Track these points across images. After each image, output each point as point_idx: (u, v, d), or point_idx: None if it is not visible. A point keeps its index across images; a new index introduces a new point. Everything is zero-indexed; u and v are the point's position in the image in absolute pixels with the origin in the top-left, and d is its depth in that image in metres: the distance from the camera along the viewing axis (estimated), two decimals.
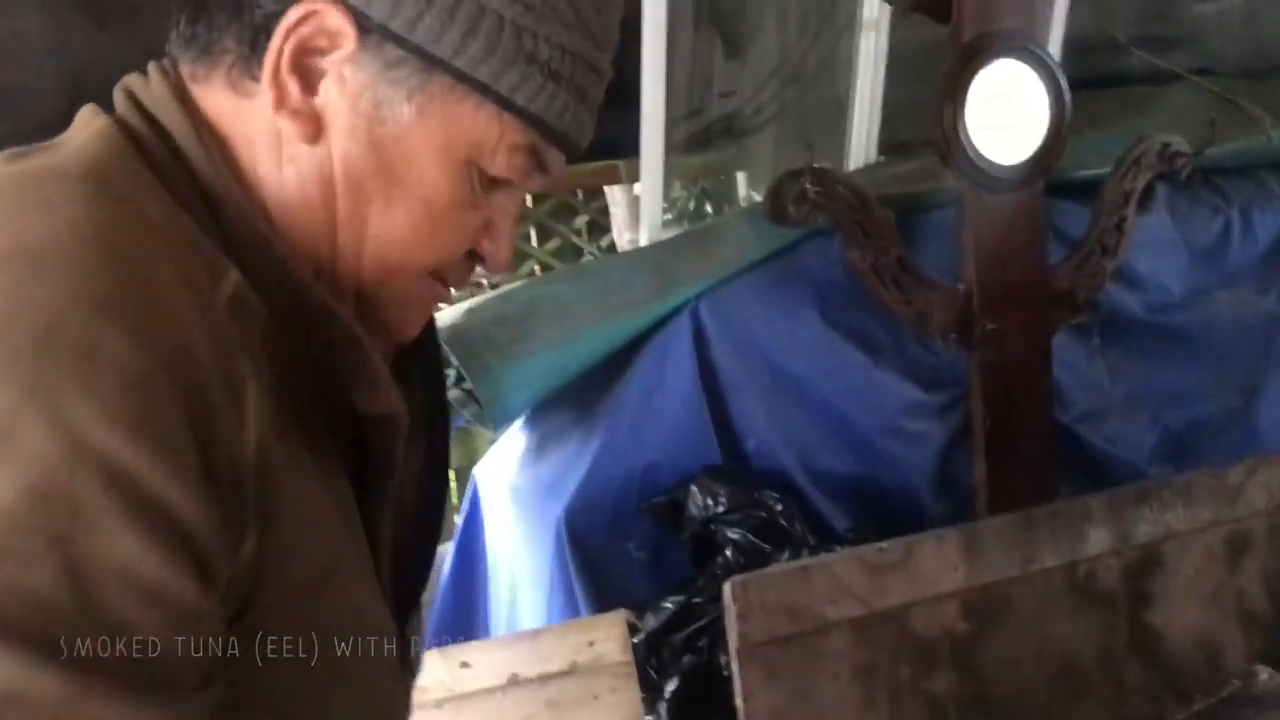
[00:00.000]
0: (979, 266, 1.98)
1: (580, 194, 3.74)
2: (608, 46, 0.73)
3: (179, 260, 0.61)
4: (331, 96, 0.68)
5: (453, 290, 0.78)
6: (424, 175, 0.69)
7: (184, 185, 0.66)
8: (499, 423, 2.04)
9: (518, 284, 2.41)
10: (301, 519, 0.64)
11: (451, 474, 2.90)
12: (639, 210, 2.45)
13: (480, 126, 0.69)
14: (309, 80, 0.68)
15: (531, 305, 2.03)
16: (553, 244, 3.79)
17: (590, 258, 3.71)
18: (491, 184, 0.72)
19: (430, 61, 0.67)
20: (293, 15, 0.66)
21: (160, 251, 0.60)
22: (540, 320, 1.99)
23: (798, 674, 1.70)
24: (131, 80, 0.71)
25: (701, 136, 2.48)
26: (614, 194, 3.06)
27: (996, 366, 2.01)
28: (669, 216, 2.92)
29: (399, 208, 0.69)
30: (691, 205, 3.01)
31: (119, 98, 0.70)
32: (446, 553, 2.32)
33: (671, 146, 2.35)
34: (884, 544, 1.75)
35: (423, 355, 0.83)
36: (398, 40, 0.67)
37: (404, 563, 0.79)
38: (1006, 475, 2.02)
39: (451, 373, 1.98)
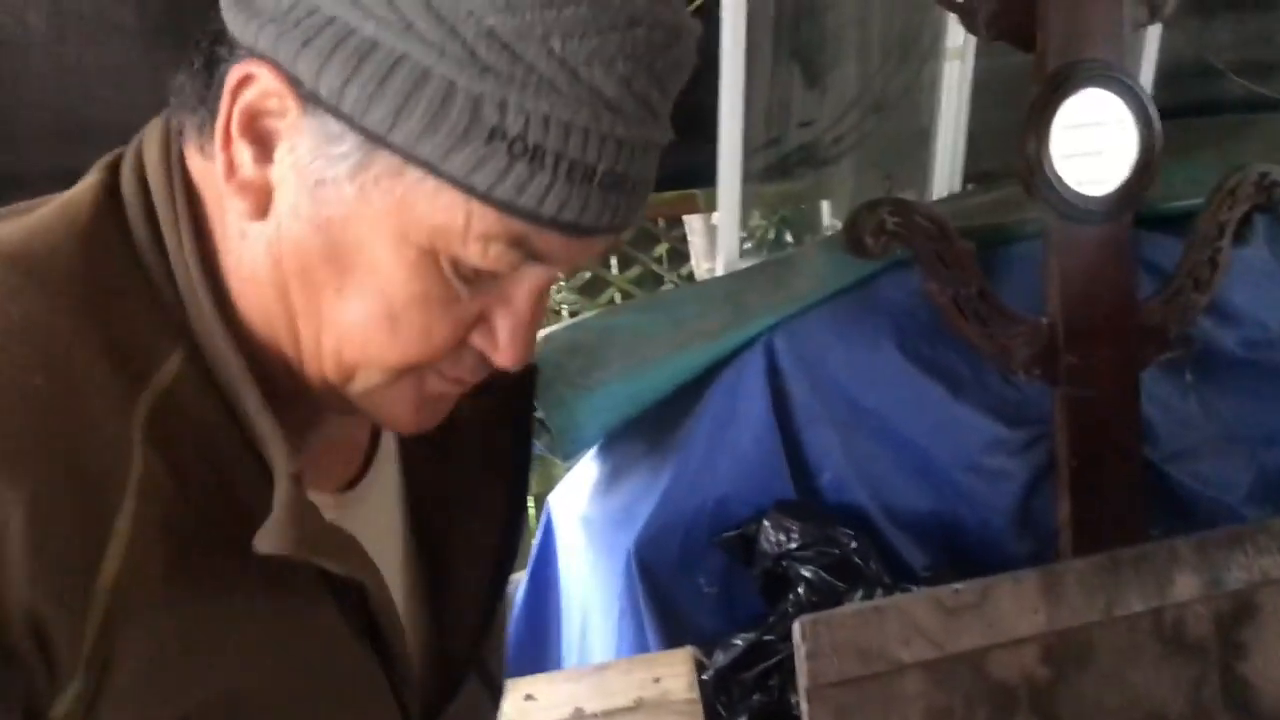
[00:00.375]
0: (1064, 300, 1.92)
1: (661, 221, 3.74)
2: (631, 109, 0.57)
3: (83, 366, 0.56)
4: (284, 167, 0.59)
5: (467, 381, 0.65)
6: (377, 265, 0.58)
7: (153, 255, 0.61)
8: (569, 453, 2.03)
9: (592, 313, 2.41)
10: (198, 649, 0.57)
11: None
12: (717, 239, 2.44)
13: (442, 212, 0.57)
14: (265, 146, 0.59)
15: (604, 335, 2.03)
16: (633, 271, 3.80)
17: (670, 286, 3.71)
18: (477, 274, 0.60)
19: (368, 136, 0.56)
20: (232, 78, 0.58)
21: (49, 364, 0.55)
22: (613, 350, 1.99)
23: (869, 716, 1.65)
24: (150, 125, 0.65)
25: (780, 166, 2.46)
26: (692, 223, 3.05)
27: (1082, 403, 1.95)
28: (748, 246, 2.91)
29: (353, 300, 0.59)
30: (771, 235, 2.99)
31: (132, 144, 0.65)
32: (520, 580, 2.32)
33: (749, 176, 2.33)
34: (959, 585, 1.70)
35: (517, 397, 0.76)
36: (333, 109, 0.57)
37: (465, 614, 0.75)
38: (1092, 516, 1.96)
39: None
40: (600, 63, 0.55)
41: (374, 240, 0.58)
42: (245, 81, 0.58)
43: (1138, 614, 1.77)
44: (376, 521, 0.73)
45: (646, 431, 2.08)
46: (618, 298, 3.72)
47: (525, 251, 0.59)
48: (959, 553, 2.02)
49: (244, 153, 0.59)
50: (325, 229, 0.59)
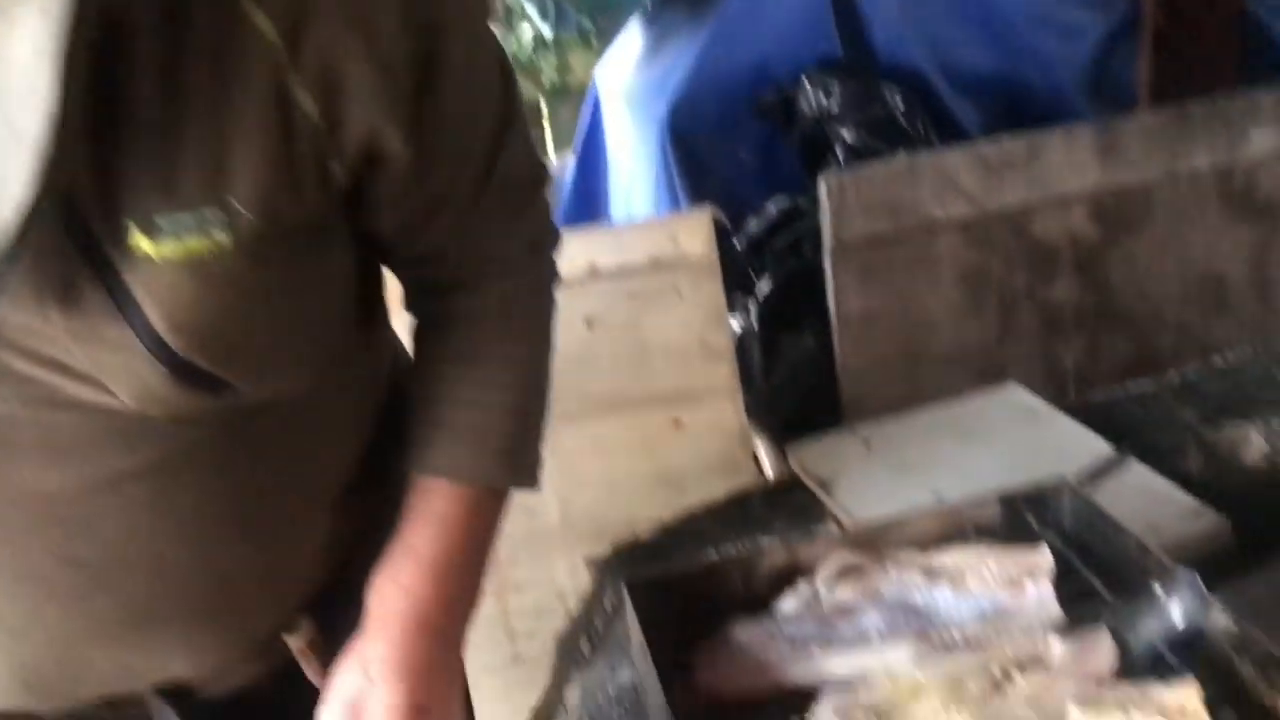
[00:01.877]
0: None
1: None
2: None
3: None
4: None
5: None
6: None
7: None
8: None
9: None
10: None
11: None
12: None
13: None
14: None
15: None
16: None
17: None
18: None
19: None
20: None
21: None
22: None
23: (897, 276, 1.60)
24: None
25: None
26: None
27: None
28: None
29: None
30: None
31: None
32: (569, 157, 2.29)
33: None
34: (1005, 139, 1.58)
35: None
36: None
37: None
38: (1176, 74, 1.78)
39: None
40: None
41: None
42: None
43: (1203, 172, 1.64)
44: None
45: None
46: None
47: None
48: (1022, 116, 1.87)
49: None
50: None
